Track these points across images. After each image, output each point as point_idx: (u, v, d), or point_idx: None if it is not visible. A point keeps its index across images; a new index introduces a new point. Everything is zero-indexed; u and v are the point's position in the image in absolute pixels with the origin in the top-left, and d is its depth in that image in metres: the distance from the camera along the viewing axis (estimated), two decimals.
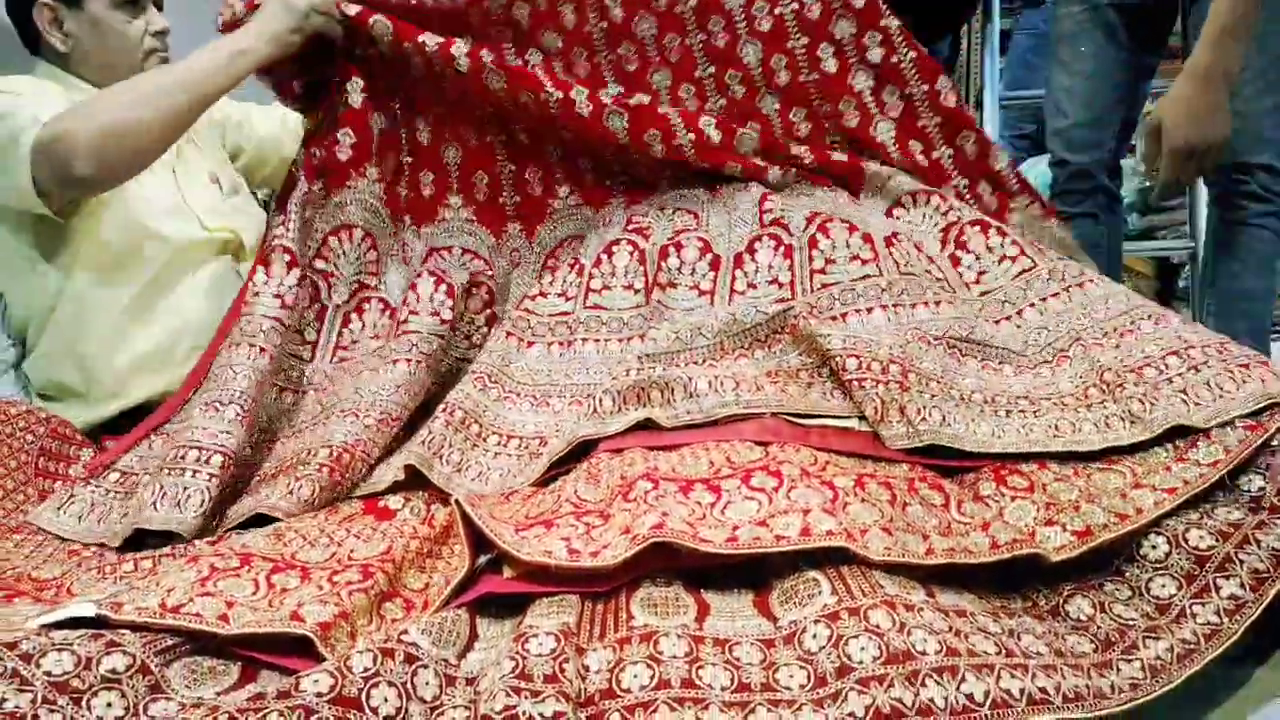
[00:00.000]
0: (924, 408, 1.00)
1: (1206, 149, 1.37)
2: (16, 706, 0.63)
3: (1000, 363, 1.11)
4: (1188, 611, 0.78)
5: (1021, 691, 0.67)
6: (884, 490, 0.87)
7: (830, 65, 1.36)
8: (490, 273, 1.33)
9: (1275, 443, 0.90)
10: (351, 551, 0.90)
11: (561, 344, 1.21)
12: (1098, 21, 1.67)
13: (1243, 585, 0.79)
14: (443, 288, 1.25)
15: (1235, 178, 1.60)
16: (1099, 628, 0.79)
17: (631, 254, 1.27)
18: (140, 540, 1.01)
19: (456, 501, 0.91)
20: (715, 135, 1.31)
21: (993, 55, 2.63)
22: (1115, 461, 0.93)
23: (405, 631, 0.71)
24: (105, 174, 1.20)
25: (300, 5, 1.22)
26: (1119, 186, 1.79)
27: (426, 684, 0.68)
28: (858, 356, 1.05)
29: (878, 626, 0.70)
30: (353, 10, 1.25)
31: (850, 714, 0.65)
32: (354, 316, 1.27)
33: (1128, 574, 0.83)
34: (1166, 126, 1.36)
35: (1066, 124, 1.72)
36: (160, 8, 1.45)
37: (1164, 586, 0.81)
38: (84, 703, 0.64)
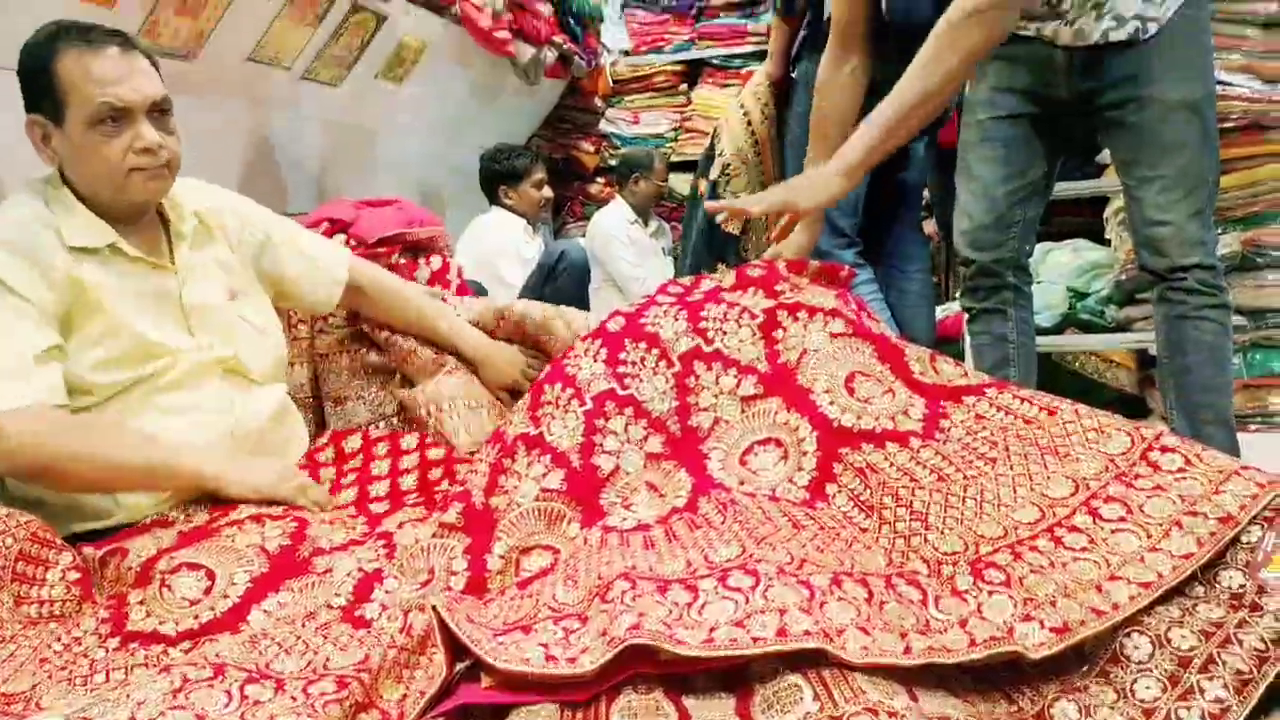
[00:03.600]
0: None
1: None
2: None
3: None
4: (1173, 716, 0.78)
5: None
6: (860, 588, 0.87)
7: None
8: None
9: (1252, 539, 0.91)
10: (328, 660, 0.89)
11: None
12: (999, 131, 1.74)
13: (1226, 687, 0.78)
14: None
15: (1173, 278, 1.66)
16: None
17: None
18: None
19: (433, 607, 0.90)
20: None
21: None
22: (1090, 547, 0.93)
23: None
24: (25, 480, 1.28)
25: (288, 484, 1.29)
26: (1027, 283, 1.86)
27: None
28: None
29: None
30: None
31: None
32: None
33: (1112, 675, 0.82)
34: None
35: (970, 225, 1.79)
36: (166, 113, 1.35)
37: (1148, 689, 0.80)
38: None
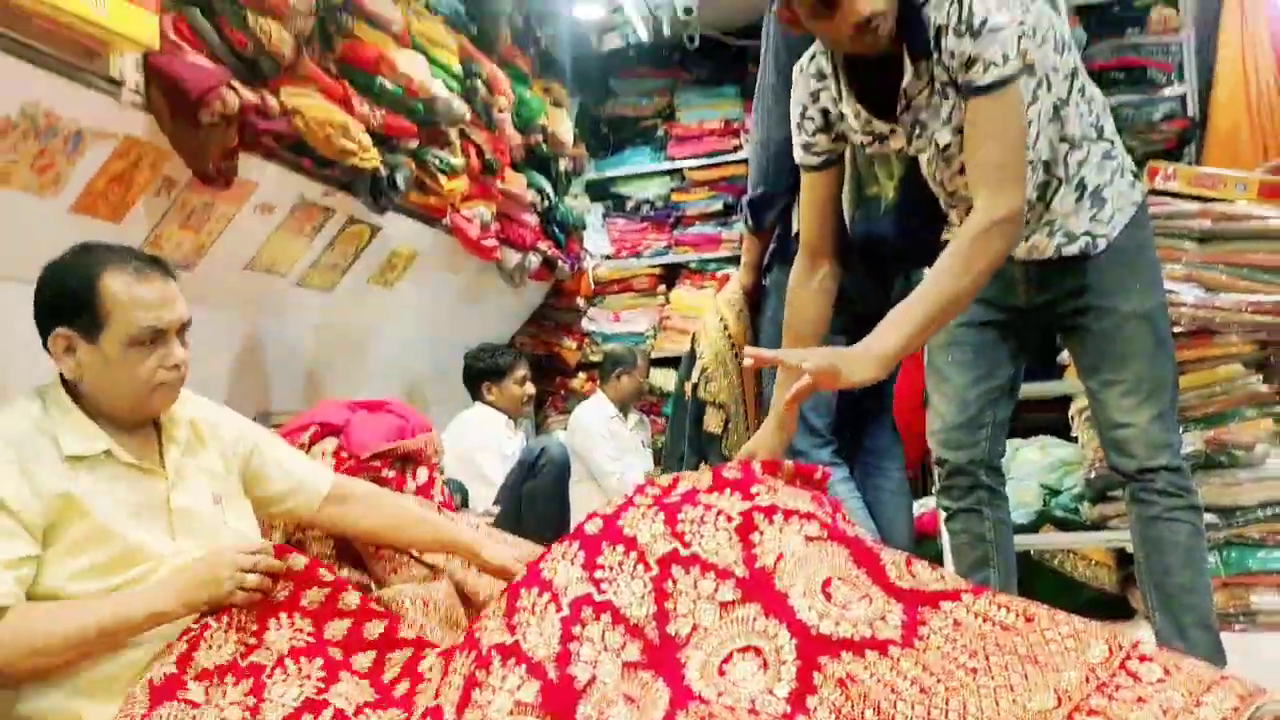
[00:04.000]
0: None
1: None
2: None
3: None
4: None
5: None
6: None
7: None
8: None
9: None
10: None
11: None
12: (966, 336, 1.82)
13: None
14: None
15: (1142, 480, 1.70)
16: None
17: None
18: None
19: None
20: None
21: None
22: None
23: None
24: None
25: (224, 576, 1.33)
26: (1001, 484, 1.89)
27: None
28: None
29: None
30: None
31: None
32: None
33: None
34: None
35: (941, 425, 1.85)
36: (184, 334, 1.44)
37: None
38: None
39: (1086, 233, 1.69)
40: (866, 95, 1.62)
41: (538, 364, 4.55)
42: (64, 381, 1.40)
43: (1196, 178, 2.63)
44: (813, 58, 1.68)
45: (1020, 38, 1.46)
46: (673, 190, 4.89)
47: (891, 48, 1.52)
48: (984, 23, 1.44)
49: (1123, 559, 2.55)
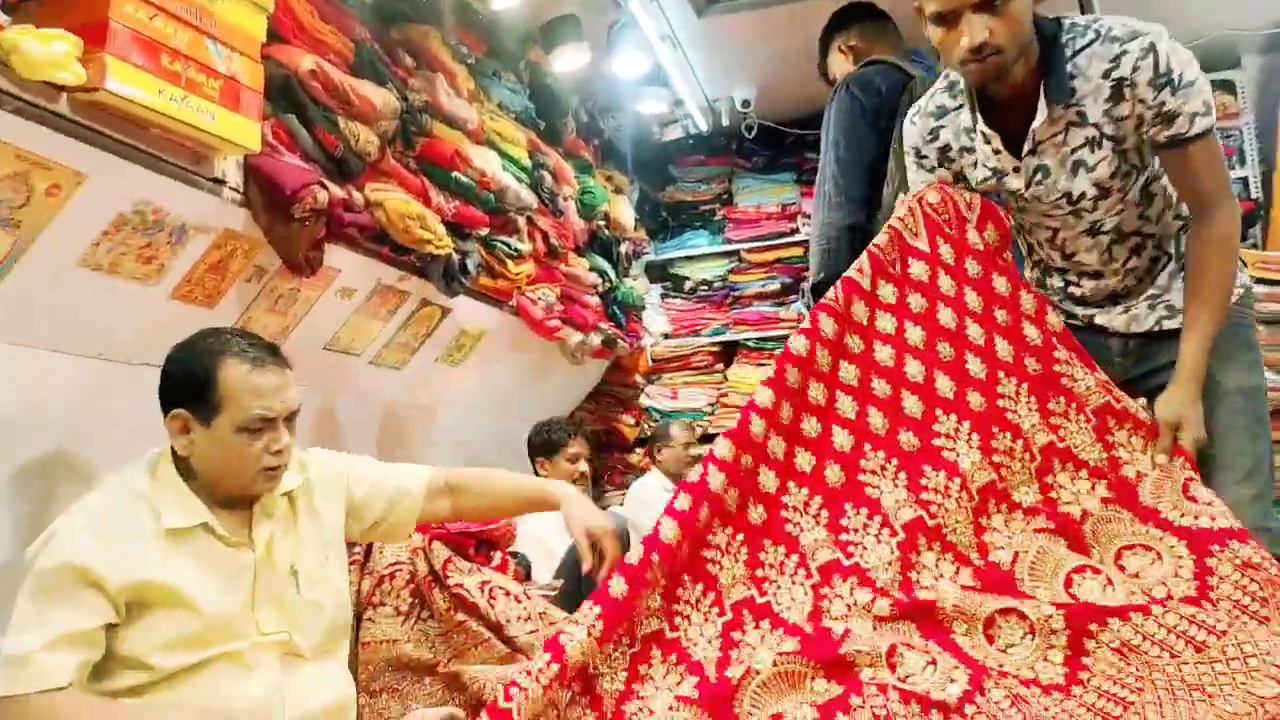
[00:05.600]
0: None
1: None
2: None
3: None
4: None
5: None
6: None
7: None
8: None
9: None
10: None
11: None
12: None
13: None
14: None
15: None
16: None
17: None
18: None
19: None
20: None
21: None
22: None
23: None
24: None
25: None
26: None
27: None
28: None
29: None
30: None
31: None
32: None
33: None
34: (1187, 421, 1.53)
35: None
36: (292, 421, 1.51)
37: None
38: None
39: None
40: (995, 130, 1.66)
41: (597, 439, 4.63)
42: (174, 455, 1.48)
43: (1263, 261, 2.63)
44: (931, 96, 1.74)
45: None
46: (730, 271, 5.00)
47: (1027, 88, 1.57)
48: (1182, 76, 1.52)
49: None
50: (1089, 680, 1.13)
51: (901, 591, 1.27)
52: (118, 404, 2.12)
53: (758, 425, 1.40)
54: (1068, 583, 1.29)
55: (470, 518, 1.81)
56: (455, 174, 2.88)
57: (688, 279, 5.08)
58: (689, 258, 5.09)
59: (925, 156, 1.75)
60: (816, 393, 1.44)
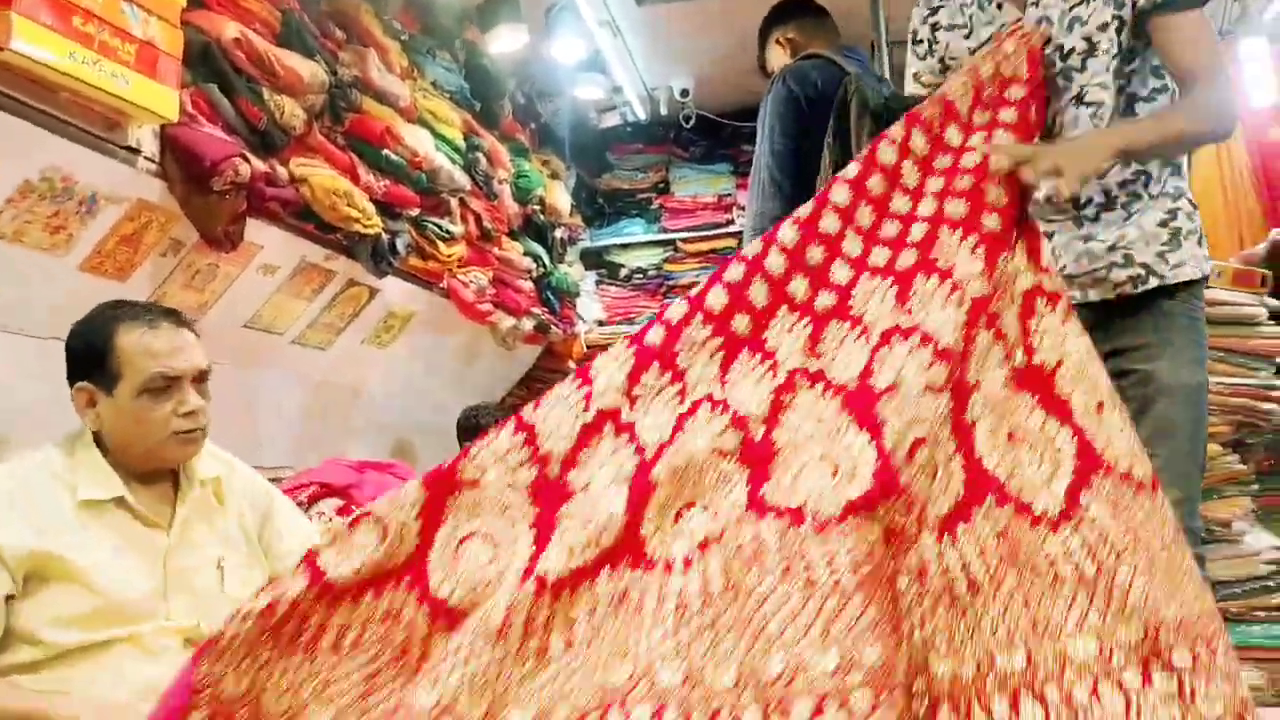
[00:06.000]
0: None
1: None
2: None
3: None
4: None
5: None
6: None
7: None
8: None
9: None
10: None
11: None
12: None
13: None
14: None
15: None
16: None
17: None
18: None
19: None
20: None
21: None
22: None
23: None
24: None
25: None
26: None
27: None
28: None
29: None
30: None
31: None
32: None
33: None
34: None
35: None
36: (205, 380, 1.48)
37: None
38: None
39: (1148, 265, 1.63)
40: None
41: None
42: (95, 437, 1.44)
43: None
44: None
45: None
46: (665, 260, 5.01)
47: None
48: None
49: None
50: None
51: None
52: (26, 379, 2.04)
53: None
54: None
55: None
56: (386, 152, 2.82)
57: (623, 266, 5.08)
58: (624, 245, 5.09)
59: (920, 41, 1.78)
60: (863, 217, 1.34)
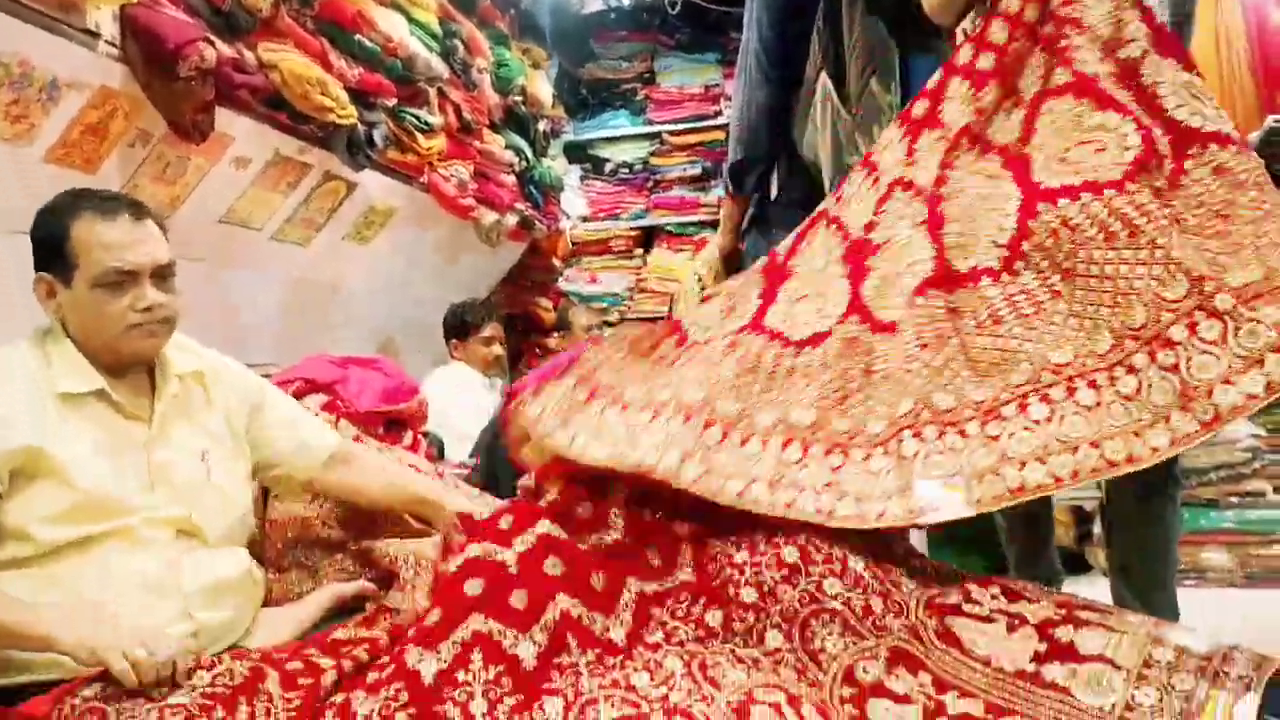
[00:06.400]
0: None
1: None
2: None
3: None
4: None
5: None
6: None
7: None
8: None
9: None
10: None
11: None
12: None
13: None
14: None
15: None
16: None
17: None
18: None
19: None
20: None
21: None
22: None
23: None
24: None
25: (122, 653, 1.16)
26: None
27: None
28: None
29: None
30: None
31: None
32: None
33: None
34: None
35: None
36: (169, 276, 1.42)
37: None
38: None
39: None
40: None
41: (513, 323, 4.58)
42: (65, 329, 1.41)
43: None
44: None
45: None
46: (651, 154, 4.90)
47: None
48: None
49: (1081, 517, 2.63)
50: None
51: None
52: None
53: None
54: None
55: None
56: (358, 37, 2.70)
57: (608, 161, 4.97)
58: (609, 139, 4.97)
59: None
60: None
